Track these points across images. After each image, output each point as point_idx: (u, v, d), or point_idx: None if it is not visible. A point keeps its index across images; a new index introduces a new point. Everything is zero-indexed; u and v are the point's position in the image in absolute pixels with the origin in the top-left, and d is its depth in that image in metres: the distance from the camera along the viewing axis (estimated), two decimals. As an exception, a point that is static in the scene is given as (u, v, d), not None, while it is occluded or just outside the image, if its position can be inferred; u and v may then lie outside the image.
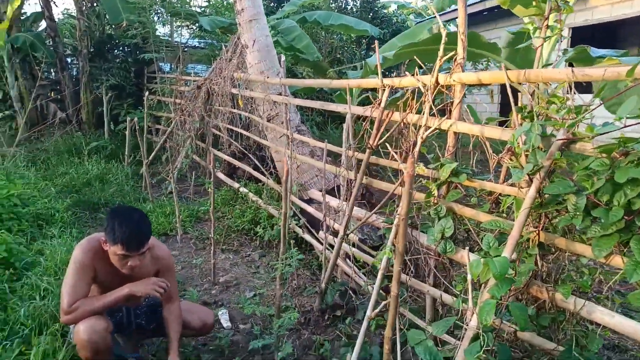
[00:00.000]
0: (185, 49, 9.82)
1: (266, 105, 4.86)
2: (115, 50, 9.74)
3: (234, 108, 5.61)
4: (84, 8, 9.12)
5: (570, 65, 4.06)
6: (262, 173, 4.94)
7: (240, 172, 5.85)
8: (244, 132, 5.49)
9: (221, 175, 5.77)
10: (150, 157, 6.68)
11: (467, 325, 1.81)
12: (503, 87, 2.13)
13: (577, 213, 1.73)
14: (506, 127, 2.18)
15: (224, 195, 5.49)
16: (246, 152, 5.45)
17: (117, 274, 2.28)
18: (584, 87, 2.57)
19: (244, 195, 5.09)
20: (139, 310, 2.55)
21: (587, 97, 2.14)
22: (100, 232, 2.29)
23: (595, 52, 4.02)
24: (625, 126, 1.56)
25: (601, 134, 1.66)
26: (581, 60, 4.06)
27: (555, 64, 2.59)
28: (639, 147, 1.55)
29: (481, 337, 1.73)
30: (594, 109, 1.75)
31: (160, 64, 9.71)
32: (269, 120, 4.84)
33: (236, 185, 5.27)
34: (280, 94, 4.43)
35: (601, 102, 1.84)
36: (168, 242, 4.63)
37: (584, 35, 8.62)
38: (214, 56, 8.30)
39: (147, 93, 7.26)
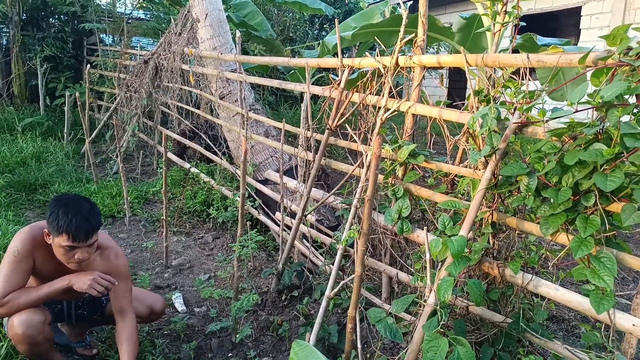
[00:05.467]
0: (130, 21, 9.26)
1: (219, 82, 4.70)
2: (51, 19, 8.99)
3: (184, 85, 5.39)
4: (14, -30, 8.33)
5: (516, 51, 4.23)
6: (215, 153, 4.80)
7: (190, 151, 5.66)
8: (195, 110, 5.30)
9: (171, 155, 5.55)
10: (93, 135, 6.31)
11: (425, 302, 1.87)
12: (450, 71, 2.17)
13: (529, 193, 1.82)
14: (463, 110, 2.24)
15: (174, 176, 5.31)
16: (197, 131, 5.27)
17: (60, 269, 2.09)
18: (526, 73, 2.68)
19: (195, 176, 4.94)
20: (80, 301, 2.38)
21: (536, 84, 2.24)
22: (43, 221, 2.09)
23: (540, 40, 4.21)
24: (577, 111, 1.64)
25: (554, 118, 1.74)
26: (527, 47, 4.24)
27: (509, 50, 2.68)
28: (587, 131, 1.64)
29: (438, 312, 1.79)
30: (549, 93, 1.82)
31: (102, 35, 9.11)
32: (221, 98, 4.69)
33: (187, 165, 5.10)
34: (234, 71, 4.29)
35: (550, 89, 1.93)
36: (115, 225, 4.43)
37: (527, 25, 9.01)
38: (161, 29, 7.90)
39: (87, 66, 6.80)
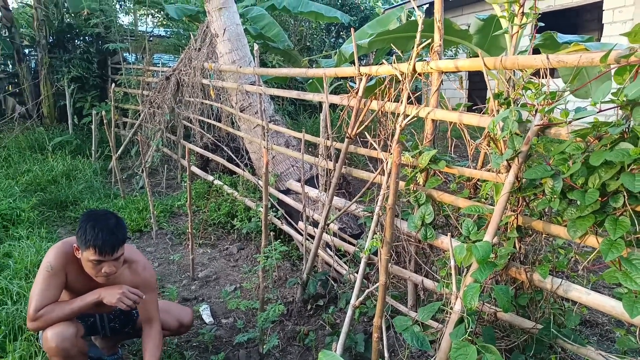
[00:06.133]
0: (151, 39, 9.53)
1: (238, 95, 4.78)
2: (76, 41, 9.34)
3: (205, 99, 5.50)
4: (40, -5, 8.69)
5: (537, 51, 4.16)
6: (237, 165, 4.87)
7: (213, 164, 5.75)
8: (216, 124, 5.39)
9: (194, 169, 5.67)
10: (120, 152, 6.49)
11: (452, 309, 1.85)
12: (470, 73, 2.15)
13: (554, 196, 1.78)
14: (483, 113, 2.22)
15: (197, 189, 5.40)
16: (219, 143, 5.36)
17: (90, 283, 2.16)
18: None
19: (218, 188, 5.02)
20: (112, 314, 2.45)
21: (557, 82, 2.20)
22: (74, 236, 2.17)
23: (561, 37, 4.13)
24: (600, 110, 1.60)
25: (577, 119, 1.70)
26: (548, 46, 4.17)
27: (529, 51, 2.64)
28: (613, 130, 1.60)
29: (465, 320, 1.77)
30: (569, 94, 1.79)
31: (125, 54, 9.39)
32: (242, 111, 4.76)
33: (210, 178, 5.19)
34: (253, 84, 4.36)
35: (572, 89, 1.90)
36: (143, 239, 4.53)
37: (547, 22, 8.85)
38: (181, 46, 8.09)
39: (112, 85, 7.02)
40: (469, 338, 1.73)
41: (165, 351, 2.61)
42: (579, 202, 1.73)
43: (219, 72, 4.97)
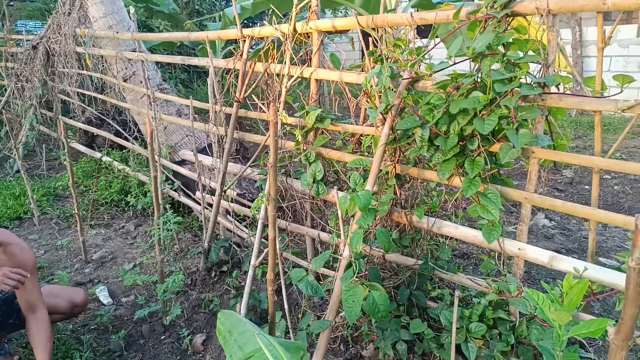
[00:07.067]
0: (11, 3, 8.32)
1: (120, 64, 4.43)
2: None
3: (82, 69, 5.01)
4: None
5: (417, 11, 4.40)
6: (126, 138, 4.58)
7: (100, 140, 5.33)
8: (98, 96, 4.97)
9: (78, 146, 5.21)
10: (-16, 133, 5.73)
11: (341, 255, 1.99)
12: (364, 34, 2.24)
13: (423, 144, 1.96)
14: (362, 71, 2.33)
15: (84, 167, 5.00)
16: (104, 117, 4.97)
17: None
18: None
19: (108, 165, 4.69)
20: None
21: (425, 41, 2.38)
22: None
23: (435, -2, 4.41)
24: (455, 63, 1.78)
25: (436, 72, 1.87)
26: (424, 6, 4.43)
27: (403, 10, 2.81)
28: (466, 81, 1.79)
29: (354, 264, 1.92)
30: (430, 49, 1.95)
31: (-21, 21, 8.12)
32: (125, 80, 4.44)
33: (97, 154, 4.82)
34: (134, 51, 4.07)
35: (436, 43, 2.07)
36: (23, 227, 4.12)
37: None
38: (48, 10, 7.20)
39: (-34, 57, 6.07)
40: (357, 280, 1.88)
41: (59, 339, 2.47)
42: (443, 148, 1.93)
43: (94, 38, 4.54)
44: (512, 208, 3.80)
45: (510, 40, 1.77)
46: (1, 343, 2.41)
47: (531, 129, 1.84)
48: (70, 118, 5.41)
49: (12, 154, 5.46)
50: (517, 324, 1.92)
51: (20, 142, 5.46)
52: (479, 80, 1.81)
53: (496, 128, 1.80)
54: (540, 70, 1.78)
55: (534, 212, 3.97)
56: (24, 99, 5.76)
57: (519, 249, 1.92)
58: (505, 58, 1.72)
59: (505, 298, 1.92)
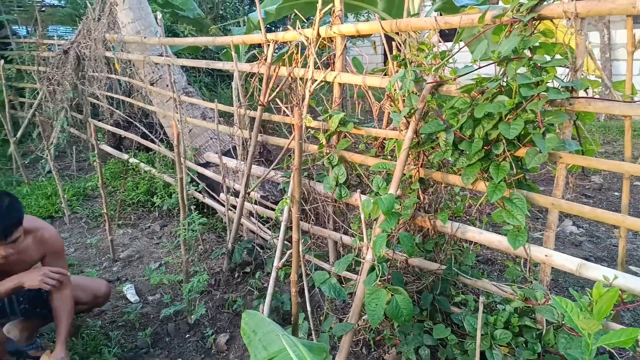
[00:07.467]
0: (43, 9, 8.63)
1: (147, 68, 4.55)
2: (-48, 13, 8.20)
3: (111, 73, 5.16)
4: None
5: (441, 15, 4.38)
6: (152, 141, 4.69)
7: (127, 142, 5.48)
8: (126, 99, 5.11)
9: (107, 148, 5.36)
10: (19, 135, 5.94)
11: (364, 259, 2.00)
12: (387, 37, 2.25)
13: (447, 148, 1.96)
14: (385, 75, 2.34)
15: (112, 169, 5.14)
16: (131, 120, 5.10)
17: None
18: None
19: (135, 166, 4.81)
20: (20, 295, 2.33)
21: (449, 44, 2.37)
22: None
23: (459, 1, 4.37)
24: (480, 67, 1.77)
25: (461, 76, 1.87)
26: (447, 9, 4.40)
27: (427, 14, 2.81)
28: (491, 85, 1.78)
29: (376, 267, 1.92)
30: (455, 53, 1.95)
31: (14, 27, 8.44)
32: (152, 84, 4.55)
33: (125, 156, 4.95)
34: (161, 55, 4.17)
35: (460, 47, 2.06)
36: (55, 225, 4.26)
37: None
38: (78, 16, 7.42)
39: (1, 61, 6.32)
40: (380, 283, 1.89)
41: (88, 334, 2.55)
42: (467, 152, 1.92)
43: (123, 43, 4.67)
44: (538, 214, 3.73)
45: (537, 44, 1.75)
46: (33, 337, 2.51)
47: (558, 134, 1.81)
48: (99, 120, 5.57)
49: (44, 155, 5.65)
50: (543, 332, 1.89)
51: (51, 143, 5.64)
52: (504, 84, 1.80)
53: (522, 132, 1.78)
54: (568, 74, 1.75)
55: (561, 218, 3.89)
56: (55, 102, 5.95)
57: (545, 255, 1.89)
58: (531, 62, 1.70)
59: (531, 305, 1.89)
